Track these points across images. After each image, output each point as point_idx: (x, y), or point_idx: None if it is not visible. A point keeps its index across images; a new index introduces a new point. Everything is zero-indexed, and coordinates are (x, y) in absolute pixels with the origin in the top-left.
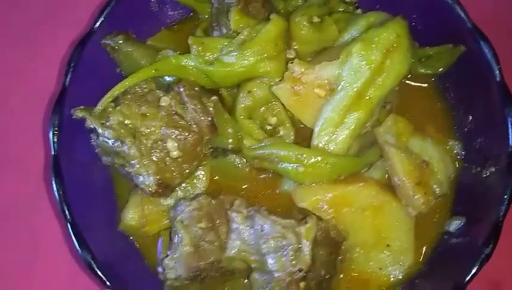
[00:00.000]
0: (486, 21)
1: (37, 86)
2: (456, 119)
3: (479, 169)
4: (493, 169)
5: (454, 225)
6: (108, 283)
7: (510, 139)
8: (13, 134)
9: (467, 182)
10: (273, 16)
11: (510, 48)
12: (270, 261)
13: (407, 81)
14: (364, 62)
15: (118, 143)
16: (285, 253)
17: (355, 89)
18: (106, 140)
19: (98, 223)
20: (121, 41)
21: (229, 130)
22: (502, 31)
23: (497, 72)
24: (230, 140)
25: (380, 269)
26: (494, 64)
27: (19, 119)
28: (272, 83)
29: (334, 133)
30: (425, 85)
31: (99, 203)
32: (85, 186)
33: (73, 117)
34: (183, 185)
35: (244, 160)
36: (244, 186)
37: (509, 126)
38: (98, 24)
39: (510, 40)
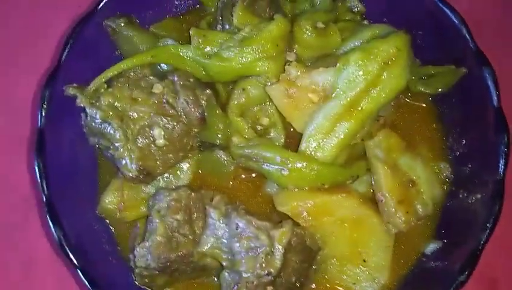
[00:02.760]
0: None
1: (36, 62)
2: (449, 142)
3: (465, 194)
4: (479, 196)
5: (431, 247)
6: (76, 263)
7: (500, 167)
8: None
9: (452, 207)
10: (277, 16)
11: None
12: (240, 261)
13: (405, 98)
14: (360, 72)
15: (104, 124)
16: (256, 254)
17: (348, 99)
18: (94, 120)
19: (76, 203)
20: (122, 24)
21: (220, 126)
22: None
23: (495, 98)
24: (219, 135)
25: (354, 283)
26: (493, 90)
27: (20, 90)
28: (267, 83)
29: (322, 140)
30: (423, 104)
31: (80, 183)
32: (68, 164)
33: (65, 94)
34: (166, 175)
35: (231, 157)
36: (228, 184)
37: (501, 154)
38: (101, 5)
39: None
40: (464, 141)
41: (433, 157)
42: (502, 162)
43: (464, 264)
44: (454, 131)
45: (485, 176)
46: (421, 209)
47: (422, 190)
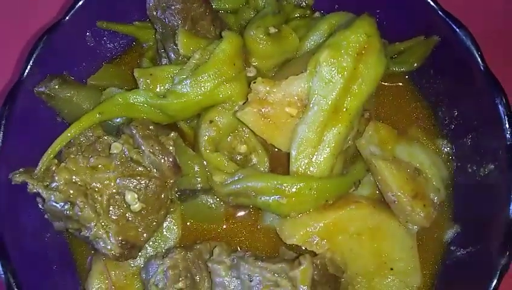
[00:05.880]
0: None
1: None
2: (440, 116)
3: (475, 168)
4: (492, 166)
5: (451, 233)
6: None
7: (506, 130)
8: None
9: (463, 184)
10: (225, 33)
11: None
12: None
13: (381, 83)
14: (335, 70)
15: (68, 206)
16: None
17: (329, 102)
18: (54, 204)
19: None
20: (56, 86)
21: (196, 168)
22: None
23: (479, 59)
24: (198, 179)
25: None
26: (474, 51)
27: None
28: (235, 108)
29: (313, 154)
30: (401, 84)
31: (56, 277)
32: (37, 261)
33: (12, 183)
34: (153, 240)
35: (218, 199)
36: (222, 229)
37: (503, 116)
38: (27, 71)
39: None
40: (456, 112)
41: (428, 137)
42: (506, 125)
43: (501, 244)
44: (442, 103)
45: (492, 143)
46: (435, 197)
47: (429, 176)
